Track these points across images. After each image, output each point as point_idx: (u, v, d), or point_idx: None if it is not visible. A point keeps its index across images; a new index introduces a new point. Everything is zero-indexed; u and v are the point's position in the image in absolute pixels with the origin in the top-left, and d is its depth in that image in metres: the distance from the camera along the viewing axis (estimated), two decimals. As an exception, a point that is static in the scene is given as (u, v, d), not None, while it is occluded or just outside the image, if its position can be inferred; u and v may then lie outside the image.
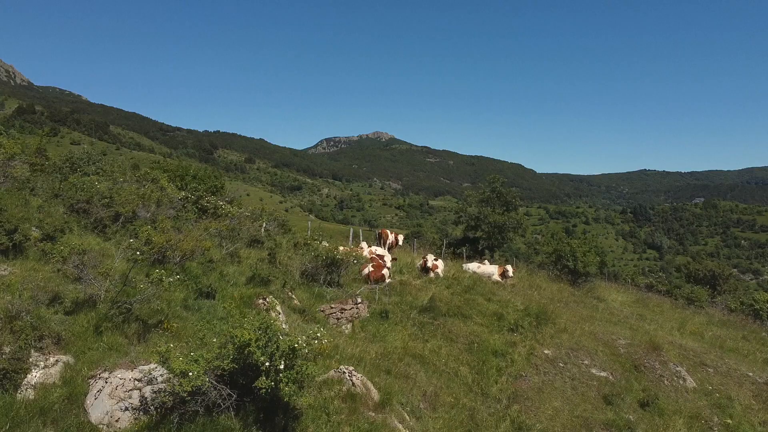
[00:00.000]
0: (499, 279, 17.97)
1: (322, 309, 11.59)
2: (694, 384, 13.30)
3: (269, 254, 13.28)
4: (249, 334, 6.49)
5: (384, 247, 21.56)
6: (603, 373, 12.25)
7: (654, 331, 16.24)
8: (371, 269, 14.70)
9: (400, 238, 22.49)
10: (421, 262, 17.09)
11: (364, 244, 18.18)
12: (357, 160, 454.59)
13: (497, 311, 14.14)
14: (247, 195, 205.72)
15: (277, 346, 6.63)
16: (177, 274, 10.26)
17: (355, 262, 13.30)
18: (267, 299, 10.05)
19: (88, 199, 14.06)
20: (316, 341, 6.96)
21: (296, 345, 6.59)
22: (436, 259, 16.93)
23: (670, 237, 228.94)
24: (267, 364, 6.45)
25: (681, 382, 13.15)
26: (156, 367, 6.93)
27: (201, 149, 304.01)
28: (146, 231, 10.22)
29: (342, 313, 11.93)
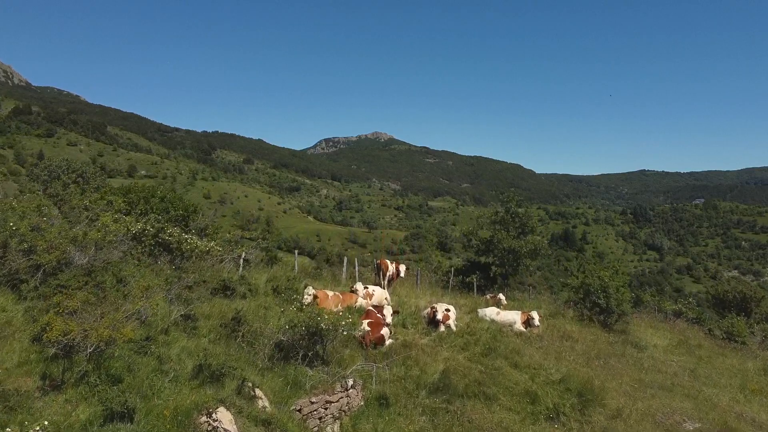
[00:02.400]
0: (522, 329, 14.87)
1: (298, 407, 8.47)
2: (786, 486, 10.28)
3: (234, 318, 10.14)
4: None
5: (383, 280, 18.47)
6: (677, 486, 9.18)
7: (716, 396, 13.20)
8: (367, 329, 11.59)
9: (402, 268, 19.33)
10: (429, 311, 13.97)
11: (359, 285, 15.06)
12: (356, 161, 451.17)
13: (528, 387, 11.01)
14: (246, 196, 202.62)
15: None
16: (85, 376, 7.19)
17: (344, 332, 10.10)
18: (214, 415, 6.93)
19: (4, 243, 11.00)
20: None
21: None
22: (447, 310, 13.76)
23: (670, 238, 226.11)
24: None
25: (771, 485, 10.12)
26: None
27: (199, 150, 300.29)
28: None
29: (326, 408, 8.82)
